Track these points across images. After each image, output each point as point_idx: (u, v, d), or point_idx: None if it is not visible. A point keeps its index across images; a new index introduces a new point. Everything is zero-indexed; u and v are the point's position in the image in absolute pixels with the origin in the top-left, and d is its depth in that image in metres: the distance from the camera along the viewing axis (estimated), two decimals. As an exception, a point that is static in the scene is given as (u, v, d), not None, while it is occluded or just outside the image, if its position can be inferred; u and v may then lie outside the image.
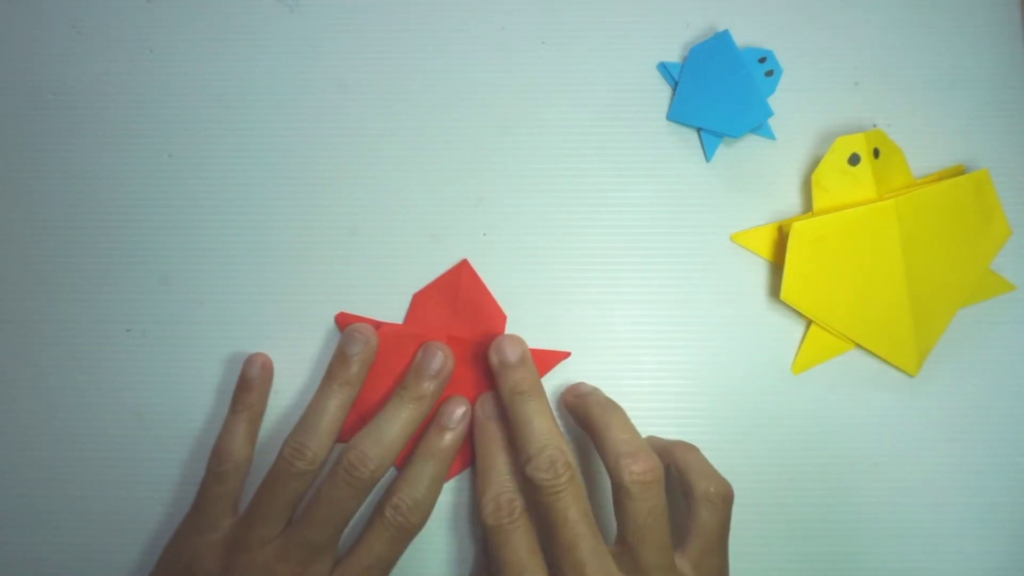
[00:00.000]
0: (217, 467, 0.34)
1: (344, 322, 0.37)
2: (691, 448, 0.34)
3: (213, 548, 0.33)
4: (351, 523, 0.34)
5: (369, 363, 0.35)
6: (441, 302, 0.37)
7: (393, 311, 0.37)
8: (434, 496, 0.34)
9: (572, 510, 0.31)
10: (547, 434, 0.32)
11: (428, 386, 0.34)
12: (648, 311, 0.37)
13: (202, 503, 0.34)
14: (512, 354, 0.34)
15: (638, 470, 0.31)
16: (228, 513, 0.34)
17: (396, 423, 0.33)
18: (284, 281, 0.38)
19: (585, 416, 0.34)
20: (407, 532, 0.33)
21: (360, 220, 0.38)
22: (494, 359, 0.35)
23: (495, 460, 0.34)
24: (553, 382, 0.37)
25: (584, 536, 0.30)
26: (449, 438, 0.34)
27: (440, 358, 0.35)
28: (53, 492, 0.36)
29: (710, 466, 0.33)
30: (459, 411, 0.35)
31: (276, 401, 0.37)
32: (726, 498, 0.32)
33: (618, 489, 0.31)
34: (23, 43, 0.40)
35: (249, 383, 0.36)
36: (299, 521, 0.32)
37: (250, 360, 0.36)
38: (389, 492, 0.33)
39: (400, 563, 0.34)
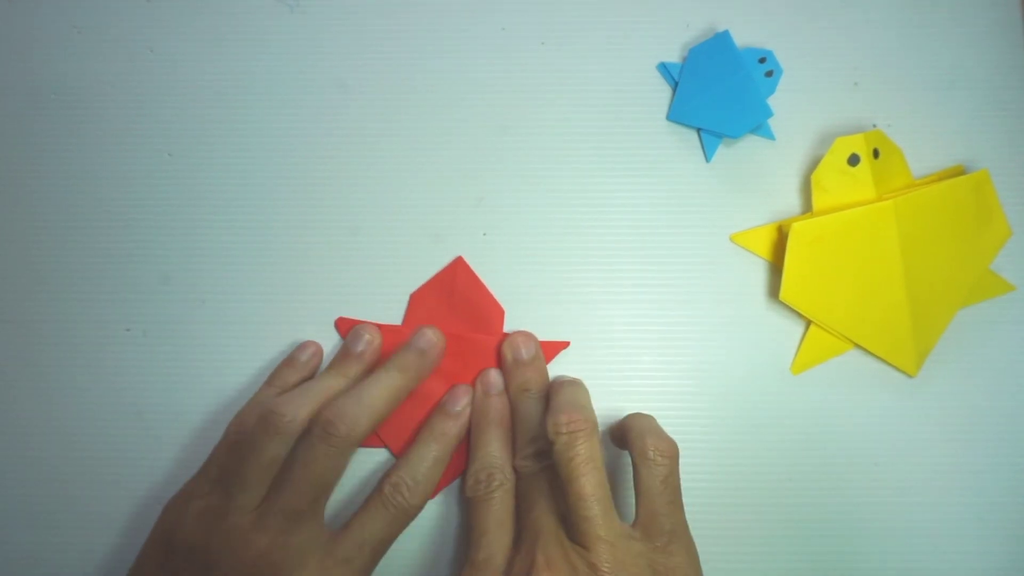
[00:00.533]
0: (239, 438, 0.33)
1: (344, 327, 0.37)
2: (642, 415, 0.34)
3: (198, 516, 0.32)
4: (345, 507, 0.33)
5: (372, 363, 0.35)
6: (438, 300, 0.37)
7: (393, 311, 0.37)
8: (435, 478, 0.33)
9: (543, 484, 0.32)
10: (538, 428, 0.33)
11: (414, 360, 0.34)
12: (648, 311, 0.37)
13: (210, 469, 0.33)
14: (526, 352, 0.35)
15: (564, 419, 0.31)
16: None
17: (377, 387, 0.33)
18: (284, 281, 0.38)
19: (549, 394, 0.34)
20: (405, 512, 0.32)
21: (360, 220, 0.38)
22: (508, 355, 0.35)
23: (485, 436, 0.34)
24: (552, 372, 0.37)
25: (539, 501, 0.32)
26: (453, 423, 0.34)
27: (430, 337, 0.35)
28: (53, 492, 0.36)
29: (656, 428, 0.32)
30: (465, 398, 0.35)
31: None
32: (665, 453, 0.31)
33: (552, 445, 0.31)
34: (24, 43, 0.40)
35: (295, 363, 0.36)
36: (276, 487, 0.31)
37: (304, 344, 0.36)
38: (389, 471, 0.33)
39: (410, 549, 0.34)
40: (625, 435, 0.32)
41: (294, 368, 0.36)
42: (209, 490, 0.32)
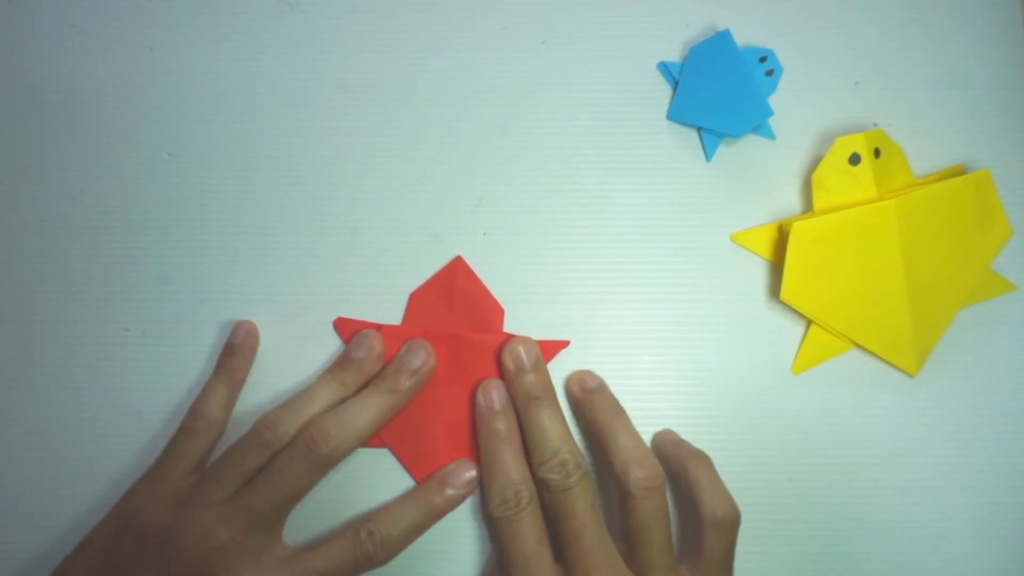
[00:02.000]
0: (190, 423, 0.35)
1: (343, 327, 0.37)
2: (705, 462, 0.35)
3: (163, 501, 0.33)
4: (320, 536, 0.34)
5: (371, 372, 0.35)
6: (438, 299, 0.37)
7: (393, 311, 0.37)
8: (408, 542, 0.33)
9: (580, 503, 0.32)
10: (560, 439, 0.33)
11: (406, 381, 0.34)
12: (648, 311, 0.37)
13: (165, 455, 0.34)
14: (527, 358, 0.35)
15: (642, 475, 0.32)
16: (188, 472, 0.34)
17: (365, 409, 0.34)
18: (284, 281, 0.38)
19: (592, 421, 0.35)
20: (370, 561, 0.33)
21: (360, 220, 0.38)
22: (509, 363, 0.35)
23: (499, 453, 0.34)
24: (553, 371, 0.37)
25: (590, 525, 0.32)
26: (449, 495, 0.34)
27: (422, 356, 0.35)
28: (53, 492, 0.36)
29: (721, 485, 0.34)
30: (468, 475, 0.35)
31: (275, 399, 0.37)
32: (733, 522, 0.33)
33: (623, 493, 0.32)
34: (23, 42, 0.40)
35: (231, 348, 0.36)
36: (248, 488, 0.33)
37: (235, 327, 0.36)
38: (369, 517, 0.33)
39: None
40: (693, 490, 0.33)
41: (233, 355, 0.36)
42: (178, 477, 0.33)
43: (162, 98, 0.39)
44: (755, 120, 0.37)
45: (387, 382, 0.34)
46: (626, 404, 0.36)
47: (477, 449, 0.35)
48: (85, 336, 0.37)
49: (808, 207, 0.38)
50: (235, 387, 0.36)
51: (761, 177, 0.38)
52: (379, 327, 0.36)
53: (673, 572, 0.32)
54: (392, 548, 0.33)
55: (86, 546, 0.33)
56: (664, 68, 0.39)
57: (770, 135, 0.39)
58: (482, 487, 0.34)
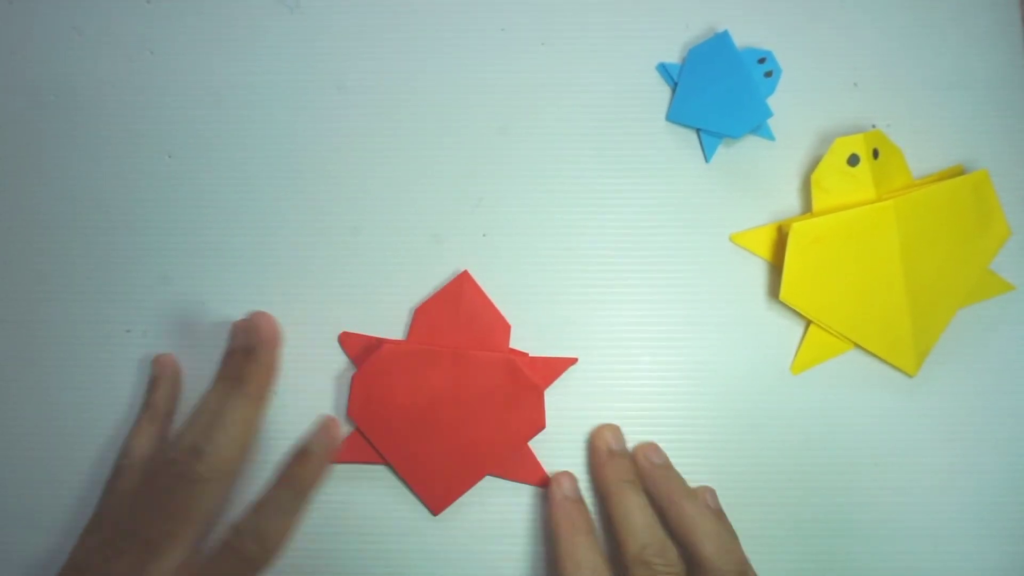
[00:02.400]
0: (121, 462, 0.34)
1: (347, 342, 0.37)
2: (733, 547, 0.34)
3: (101, 547, 0.31)
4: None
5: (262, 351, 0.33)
6: (443, 315, 0.37)
7: (393, 311, 0.37)
8: (286, 530, 0.31)
9: None
10: (655, 527, 0.33)
11: (249, 367, 0.32)
12: (648, 311, 0.37)
13: (103, 500, 0.34)
14: (616, 443, 0.35)
15: (734, 560, 0.32)
16: (128, 511, 0.32)
17: (226, 412, 0.31)
18: (284, 281, 0.38)
19: (664, 496, 0.34)
20: (252, 564, 0.30)
21: (360, 220, 0.38)
22: (602, 447, 0.35)
23: (579, 541, 0.33)
24: (561, 386, 0.37)
25: None
26: (313, 461, 0.32)
27: (241, 336, 0.33)
28: (53, 492, 0.36)
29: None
30: (327, 435, 0.32)
31: (278, 397, 0.37)
32: None
33: None
34: (24, 44, 0.40)
35: (152, 382, 0.36)
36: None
37: (154, 360, 0.37)
38: (236, 521, 0.31)
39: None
40: None
41: (154, 388, 0.36)
42: (117, 519, 0.32)
43: (162, 100, 0.39)
44: (754, 121, 0.37)
45: (224, 373, 0.32)
46: (626, 405, 0.36)
47: (549, 530, 0.34)
48: (85, 336, 0.37)
49: (807, 208, 0.38)
50: (158, 420, 0.35)
51: (760, 178, 0.39)
52: (381, 342, 0.36)
53: None
54: (271, 542, 0.30)
55: None
56: (663, 69, 0.39)
57: (769, 136, 0.39)
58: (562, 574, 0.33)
